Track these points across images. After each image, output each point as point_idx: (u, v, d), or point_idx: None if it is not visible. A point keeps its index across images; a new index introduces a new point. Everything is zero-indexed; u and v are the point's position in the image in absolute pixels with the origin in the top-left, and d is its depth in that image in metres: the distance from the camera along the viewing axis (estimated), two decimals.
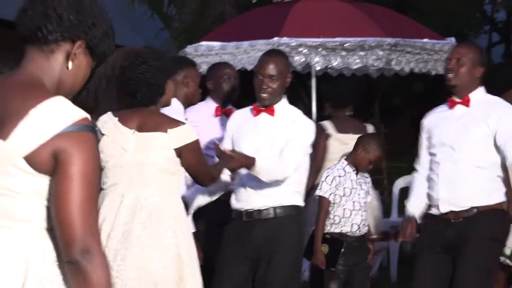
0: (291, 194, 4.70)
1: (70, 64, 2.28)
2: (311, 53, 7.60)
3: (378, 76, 8.41)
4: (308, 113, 8.37)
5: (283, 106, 4.78)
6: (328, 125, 6.26)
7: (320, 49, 7.59)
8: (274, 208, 4.67)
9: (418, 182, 4.86)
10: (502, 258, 5.49)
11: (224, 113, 5.75)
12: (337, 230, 5.43)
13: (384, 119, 15.44)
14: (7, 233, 2.23)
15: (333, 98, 6.32)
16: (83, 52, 2.31)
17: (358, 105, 6.64)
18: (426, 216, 4.81)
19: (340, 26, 7.89)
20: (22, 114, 2.16)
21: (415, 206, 4.82)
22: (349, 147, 5.81)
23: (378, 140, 5.61)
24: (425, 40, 7.95)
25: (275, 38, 7.58)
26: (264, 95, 4.69)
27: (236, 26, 8.60)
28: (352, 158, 5.50)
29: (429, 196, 4.77)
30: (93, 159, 2.18)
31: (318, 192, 5.47)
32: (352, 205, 5.43)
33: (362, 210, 5.45)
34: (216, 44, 7.85)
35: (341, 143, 6.15)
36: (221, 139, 5.12)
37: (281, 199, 4.66)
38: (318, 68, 7.83)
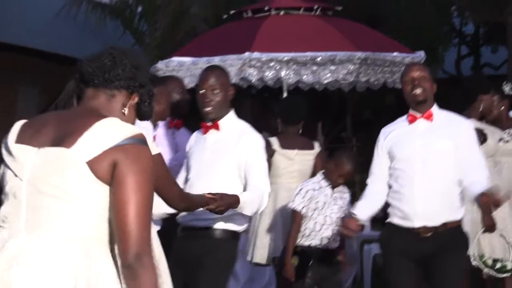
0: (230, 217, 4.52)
1: (126, 110, 2.63)
2: (282, 67, 7.64)
3: (349, 90, 8.47)
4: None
5: (229, 120, 4.68)
6: (274, 141, 6.27)
7: (291, 63, 7.64)
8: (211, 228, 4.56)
9: (371, 189, 4.86)
10: (485, 269, 5.57)
11: (174, 126, 5.70)
12: (307, 243, 5.46)
13: (356, 132, 15.51)
14: (56, 237, 2.42)
15: (284, 114, 6.35)
16: (134, 106, 2.66)
17: (330, 119, 6.69)
18: (389, 226, 4.80)
19: (311, 40, 7.94)
20: (86, 127, 2.45)
21: (362, 208, 4.82)
22: (295, 163, 5.98)
23: (350, 155, 5.64)
24: (395, 54, 8.02)
25: (246, 53, 7.62)
26: (208, 108, 4.63)
27: (207, 42, 8.62)
28: (325, 173, 5.54)
29: (398, 210, 4.76)
30: (147, 170, 2.43)
31: (291, 205, 5.50)
32: (323, 219, 5.46)
33: (333, 225, 5.47)
34: (187, 59, 7.87)
35: (287, 158, 6.18)
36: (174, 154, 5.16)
37: (220, 221, 4.54)
38: (289, 82, 7.88)
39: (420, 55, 8.28)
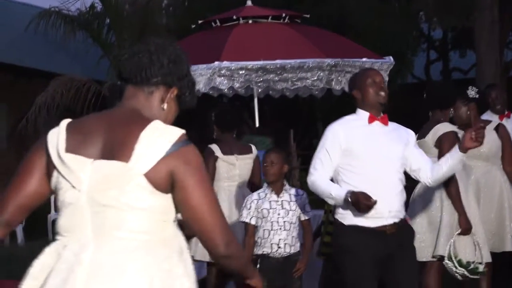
0: None
1: (165, 105, 2.68)
2: (252, 76, 7.64)
3: (320, 97, 8.48)
4: (252, 133, 8.43)
5: None
6: (215, 148, 6.54)
7: (260, 71, 7.65)
8: None
9: (325, 179, 4.79)
10: (459, 270, 5.61)
11: None
12: (259, 252, 5.49)
13: None
14: (123, 244, 2.53)
15: (220, 122, 6.60)
16: (174, 98, 2.70)
17: (301, 126, 6.77)
18: (352, 228, 4.77)
19: (280, 48, 7.96)
20: (134, 138, 2.52)
21: (336, 186, 4.77)
22: (236, 167, 6.38)
23: (281, 154, 5.69)
24: (364, 59, 8.05)
25: (216, 63, 7.61)
26: None
27: None
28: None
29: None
30: (199, 166, 2.56)
31: (240, 219, 5.58)
32: (270, 226, 5.48)
33: (281, 230, 5.48)
34: None
35: (228, 163, 6.52)
36: None
37: None
38: (259, 90, 7.88)
39: (390, 60, 8.32)
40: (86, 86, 15.17)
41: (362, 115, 4.86)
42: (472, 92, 6.29)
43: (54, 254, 2.59)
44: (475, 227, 5.80)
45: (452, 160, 4.85)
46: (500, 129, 6.35)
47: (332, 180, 4.83)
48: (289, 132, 13.11)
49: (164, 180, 2.52)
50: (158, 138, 2.53)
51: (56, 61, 17.53)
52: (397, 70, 15.20)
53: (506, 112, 6.92)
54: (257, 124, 8.33)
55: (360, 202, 4.58)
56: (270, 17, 8.48)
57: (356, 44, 8.83)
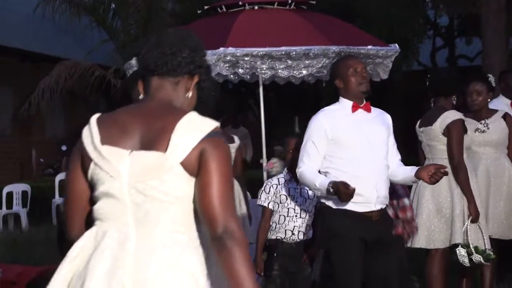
0: None
1: (190, 94, 2.81)
2: (257, 62, 7.63)
3: (326, 83, 8.46)
4: (257, 120, 8.42)
5: None
6: None
7: (265, 58, 7.63)
8: None
9: (312, 171, 4.81)
10: (477, 257, 5.66)
11: None
12: (273, 237, 5.52)
13: None
14: (166, 233, 2.61)
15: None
16: (195, 85, 2.82)
17: (306, 113, 6.75)
18: (341, 212, 4.79)
19: (285, 35, 7.93)
20: (170, 129, 2.63)
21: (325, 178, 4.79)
22: None
23: (292, 140, 5.70)
24: (369, 46, 8.03)
25: (221, 49, 7.59)
26: None
27: None
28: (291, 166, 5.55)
29: (356, 195, 4.76)
30: (227, 158, 2.65)
31: (258, 202, 5.60)
32: (287, 212, 5.50)
33: (297, 217, 5.50)
34: None
35: None
36: None
37: None
38: (264, 77, 7.87)
39: (395, 47, 8.29)
40: (90, 71, 15.17)
41: (345, 104, 4.91)
42: (492, 80, 6.43)
43: (92, 238, 2.66)
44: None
45: (407, 177, 4.90)
46: (507, 118, 6.38)
47: (319, 171, 4.85)
48: (294, 119, 13.09)
49: (196, 163, 2.61)
50: (193, 129, 2.64)
51: (62, 45, 17.52)
52: (403, 57, 15.18)
53: None
54: (262, 111, 8.32)
55: (340, 191, 4.62)
56: (276, 3, 8.45)
57: (362, 31, 8.80)
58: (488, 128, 6.28)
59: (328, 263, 4.94)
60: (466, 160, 5.96)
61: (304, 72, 7.71)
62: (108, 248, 2.61)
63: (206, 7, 8.98)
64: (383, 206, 4.85)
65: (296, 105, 18.29)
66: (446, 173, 4.72)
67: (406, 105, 17.10)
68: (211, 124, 2.67)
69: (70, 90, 15.29)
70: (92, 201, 2.71)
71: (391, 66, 8.21)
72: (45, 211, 12.96)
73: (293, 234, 5.50)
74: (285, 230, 5.51)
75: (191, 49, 2.78)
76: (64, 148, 15.60)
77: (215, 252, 2.58)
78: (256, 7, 8.44)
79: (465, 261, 5.76)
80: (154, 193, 2.61)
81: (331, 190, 4.66)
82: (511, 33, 15.09)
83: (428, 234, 5.86)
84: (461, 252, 5.75)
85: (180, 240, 2.63)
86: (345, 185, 4.62)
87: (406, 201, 5.49)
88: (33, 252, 9.18)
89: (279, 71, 7.73)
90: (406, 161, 5.02)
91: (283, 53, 7.60)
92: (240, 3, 8.44)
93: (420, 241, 5.87)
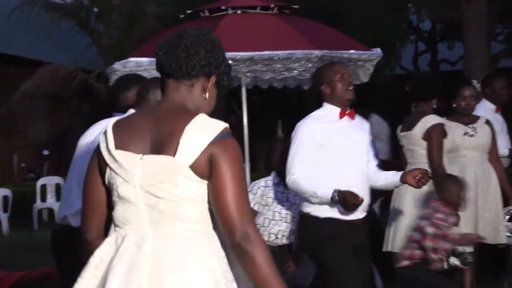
0: None
1: (207, 95, 2.79)
2: (240, 66, 7.62)
3: (309, 88, 8.47)
4: (240, 124, 8.42)
5: None
6: None
7: (248, 62, 7.63)
8: None
9: (307, 178, 4.77)
10: (452, 260, 5.67)
11: None
12: None
13: None
14: (183, 234, 2.64)
15: None
16: (214, 85, 2.80)
17: (289, 117, 6.73)
18: (324, 220, 4.79)
19: (268, 39, 7.93)
20: (179, 132, 2.64)
21: (323, 185, 4.76)
22: None
23: (279, 145, 5.69)
24: (351, 51, 8.04)
25: None
26: None
27: None
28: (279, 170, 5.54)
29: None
30: (238, 159, 2.66)
31: None
32: (272, 215, 5.49)
33: (282, 221, 5.49)
34: (145, 60, 7.80)
35: None
36: None
37: None
38: (247, 81, 7.86)
39: (378, 51, 8.31)
40: (72, 75, 15.12)
41: (331, 110, 4.89)
42: (477, 85, 6.47)
43: (113, 244, 2.70)
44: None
45: (390, 182, 4.90)
46: (489, 124, 6.42)
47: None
48: (277, 122, 13.09)
49: (206, 167, 2.62)
50: (202, 131, 2.64)
51: (44, 49, 17.45)
52: (386, 61, 15.23)
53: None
54: (244, 114, 8.31)
55: (348, 201, 4.60)
56: (258, 8, 8.45)
57: (344, 36, 8.81)
58: (476, 133, 6.31)
59: (321, 270, 4.88)
60: (447, 164, 5.98)
61: (286, 75, 7.72)
62: (127, 251, 2.65)
63: (188, 12, 8.97)
64: (365, 214, 4.86)
65: (279, 109, 18.31)
66: (432, 177, 4.78)
67: (388, 109, 17.15)
68: (219, 126, 2.68)
69: (52, 94, 15.23)
70: (111, 204, 2.75)
71: (372, 69, 8.22)
72: (26, 216, 12.89)
73: (276, 237, 5.50)
74: (269, 233, 5.51)
75: (206, 51, 2.77)
76: (45, 152, 15.52)
77: (237, 259, 2.61)
78: (239, 12, 8.43)
79: (453, 263, 5.76)
80: (166, 195, 2.64)
81: (336, 198, 4.63)
82: (493, 38, 15.18)
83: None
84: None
85: (196, 236, 2.65)
86: (353, 195, 4.61)
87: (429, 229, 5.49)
88: (14, 257, 9.14)
89: (261, 74, 7.73)
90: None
91: (266, 57, 7.60)
92: (223, 7, 8.44)
93: (400, 245, 5.88)
